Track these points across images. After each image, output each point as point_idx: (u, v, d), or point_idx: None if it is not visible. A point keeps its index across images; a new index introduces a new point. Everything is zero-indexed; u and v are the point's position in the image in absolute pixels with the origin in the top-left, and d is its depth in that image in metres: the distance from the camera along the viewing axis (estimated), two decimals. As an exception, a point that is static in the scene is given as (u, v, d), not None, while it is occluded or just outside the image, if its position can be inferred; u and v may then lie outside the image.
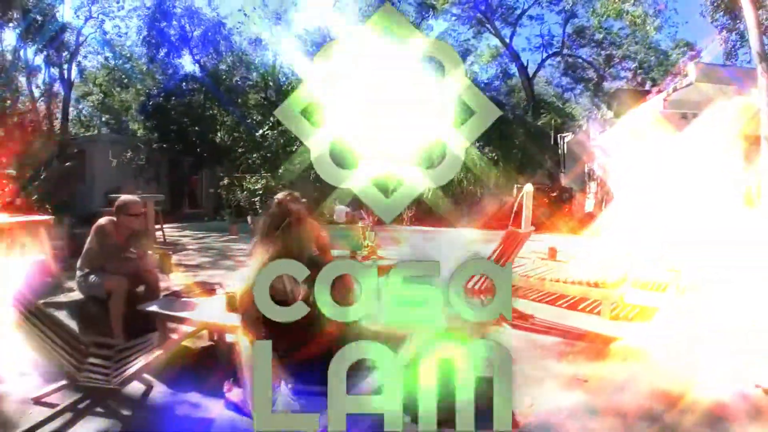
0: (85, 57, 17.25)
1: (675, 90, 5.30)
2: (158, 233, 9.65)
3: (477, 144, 13.51)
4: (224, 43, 17.89)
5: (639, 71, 16.67)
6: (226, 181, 11.96)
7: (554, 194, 14.03)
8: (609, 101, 14.08)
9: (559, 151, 14.35)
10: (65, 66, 15.22)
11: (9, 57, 13.42)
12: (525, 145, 13.76)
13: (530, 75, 15.79)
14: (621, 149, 9.95)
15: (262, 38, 18.10)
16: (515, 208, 11.72)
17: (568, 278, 4.28)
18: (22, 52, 13.35)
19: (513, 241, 4.12)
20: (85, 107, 20.71)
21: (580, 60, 17.75)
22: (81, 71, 17.60)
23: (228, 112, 18.32)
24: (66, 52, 15.20)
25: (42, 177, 13.29)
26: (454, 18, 15.87)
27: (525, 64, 15.79)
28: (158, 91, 16.46)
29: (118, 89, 18.46)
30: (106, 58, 17.75)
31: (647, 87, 13.62)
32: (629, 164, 9.46)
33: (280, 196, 3.73)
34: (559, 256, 6.04)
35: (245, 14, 17.99)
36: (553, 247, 5.69)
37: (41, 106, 15.61)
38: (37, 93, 15.68)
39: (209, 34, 17.50)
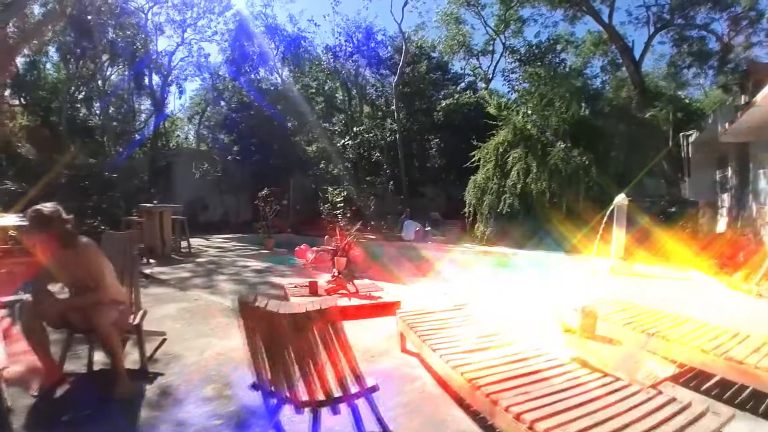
0: (184, 79, 19.06)
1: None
2: (183, 243, 9.60)
3: (563, 145, 11.04)
4: (305, 56, 18.14)
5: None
6: (264, 192, 11.56)
7: (672, 209, 10.81)
8: (742, 82, 10.36)
9: (682, 153, 11.02)
10: (157, 88, 16.77)
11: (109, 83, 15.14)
12: (629, 145, 10.86)
13: (636, 58, 12.47)
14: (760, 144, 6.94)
15: (338, 47, 17.85)
16: (602, 227, 9.21)
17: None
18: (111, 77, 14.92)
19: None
20: (195, 124, 22.92)
21: (696, 29, 13.28)
22: (181, 92, 19.56)
23: (308, 124, 18.44)
24: (160, 76, 16.80)
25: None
26: (539, 2, 13.48)
27: (629, 44, 12.55)
28: (240, 106, 17.23)
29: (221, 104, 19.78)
30: (203, 79, 19.37)
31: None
32: None
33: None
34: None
35: (316, 24, 18.02)
36: (593, 310, 3.43)
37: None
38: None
39: (291, 48, 17.88)
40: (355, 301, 4.98)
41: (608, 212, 8.48)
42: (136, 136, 17.76)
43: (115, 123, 16.57)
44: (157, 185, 15.84)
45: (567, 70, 12.38)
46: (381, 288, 5.58)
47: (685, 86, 15.61)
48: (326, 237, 10.59)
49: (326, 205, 18.27)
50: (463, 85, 17.00)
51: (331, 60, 17.98)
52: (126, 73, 15.52)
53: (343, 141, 17.64)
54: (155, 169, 16.03)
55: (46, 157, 12.61)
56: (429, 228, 14.36)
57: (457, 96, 15.35)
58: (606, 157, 10.98)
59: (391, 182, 16.66)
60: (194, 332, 4.18)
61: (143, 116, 18.95)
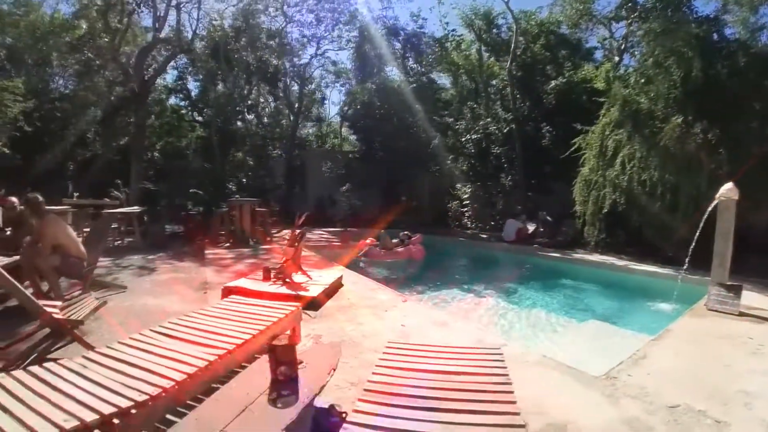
0: (326, 87, 22.14)
1: None
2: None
3: (679, 119, 9.16)
4: (428, 51, 18.96)
5: None
6: (345, 187, 12.75)
7: None
8: None
9: None
10: (295, 98, 20.00)
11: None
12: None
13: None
14: None
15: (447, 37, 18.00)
16: (699, 230, 7.74)
17: None
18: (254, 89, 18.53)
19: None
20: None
21: None
22: (324, 99, 22.79)
23: (434, 120, 19.07)
24: (297, 86, 20.04)
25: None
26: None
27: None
28: (366, 106, 19.05)
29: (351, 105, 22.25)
30: (343, 84, 22.13)
31: None
32: None
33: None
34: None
35: (423, 18, 18.45)
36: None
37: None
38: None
39: (412, 45, 18.94)
40: (272, 288, 5.54)
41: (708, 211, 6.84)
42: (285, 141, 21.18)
43: (258, 131, 20.30)
44: (292, 183, 18.97)
45: (694, 17, 9.74)
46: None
47: None
48: (381, 231, 11.29)
49: (454, 203, 18.66)
50: (596, 60, 15.10)
51: (449, 51, 18.28)
52: (266, 87, 19.07)
53: (468, 135, 17.77)
54: (291, 168, 19.19)
55: (203, 163, 16.73)
56: (542, 229, 13.46)
57: (568, 74, 13.80)
58: (744, 134, 8.63)
59: (509, 178, 16.08)
60: (147, 292, 5.65)
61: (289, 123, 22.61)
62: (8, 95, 10.89)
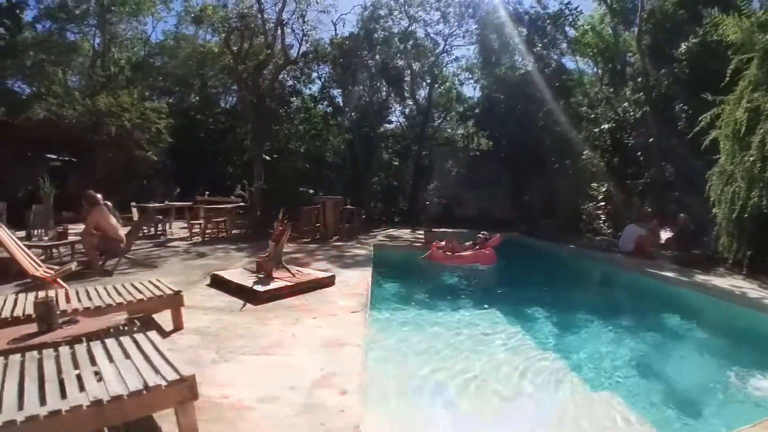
0: (461, 84, 22.05)
1: None
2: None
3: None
4: (555, 32, 17.25)
5: None
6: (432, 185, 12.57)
7: None
8: None
9: None
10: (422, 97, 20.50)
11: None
12: None
13: None
14: None
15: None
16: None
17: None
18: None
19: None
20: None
21: None
22: (459, 97, 22.65)
23: (563, 111, 17.32)
24: (424, 86, 20.49)
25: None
26: None
27: None
28: (490, 100, 18.30)
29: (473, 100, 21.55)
30: (477, 80, 21.66)
31: None
32: None
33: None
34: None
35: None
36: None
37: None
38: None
39: (538, 26, 17.45)
40: (243, 280, 6.02)
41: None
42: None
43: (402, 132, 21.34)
44: (418, 183, 19.53)
45: None
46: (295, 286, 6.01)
47: None
48: (449, 231, 10.82)
49: (590, 204, 16.73)
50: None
51: (576, 30, 16.23)
52: (393, 89, 19.82)
53: (603, 125, 15.88)
54: (420, 169, 19.72)
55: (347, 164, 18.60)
56: (677, 238, 11.17)
57: (703, 32, 10.67)
58: None
59: (646, 174, 13.74)
60: (167, 272, 6.91)
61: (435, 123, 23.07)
62: (154, 114, 14.33)
